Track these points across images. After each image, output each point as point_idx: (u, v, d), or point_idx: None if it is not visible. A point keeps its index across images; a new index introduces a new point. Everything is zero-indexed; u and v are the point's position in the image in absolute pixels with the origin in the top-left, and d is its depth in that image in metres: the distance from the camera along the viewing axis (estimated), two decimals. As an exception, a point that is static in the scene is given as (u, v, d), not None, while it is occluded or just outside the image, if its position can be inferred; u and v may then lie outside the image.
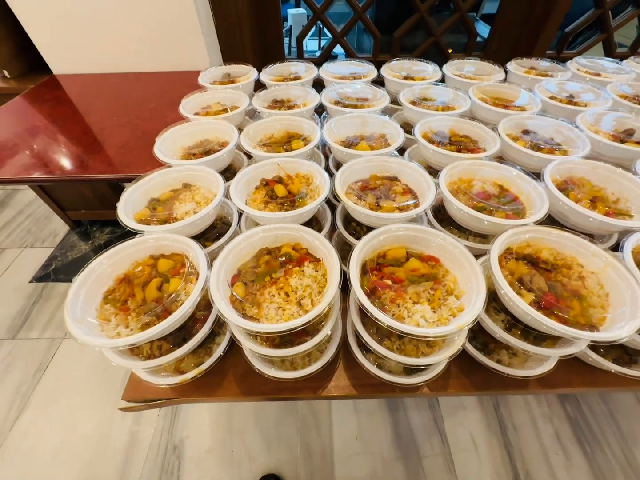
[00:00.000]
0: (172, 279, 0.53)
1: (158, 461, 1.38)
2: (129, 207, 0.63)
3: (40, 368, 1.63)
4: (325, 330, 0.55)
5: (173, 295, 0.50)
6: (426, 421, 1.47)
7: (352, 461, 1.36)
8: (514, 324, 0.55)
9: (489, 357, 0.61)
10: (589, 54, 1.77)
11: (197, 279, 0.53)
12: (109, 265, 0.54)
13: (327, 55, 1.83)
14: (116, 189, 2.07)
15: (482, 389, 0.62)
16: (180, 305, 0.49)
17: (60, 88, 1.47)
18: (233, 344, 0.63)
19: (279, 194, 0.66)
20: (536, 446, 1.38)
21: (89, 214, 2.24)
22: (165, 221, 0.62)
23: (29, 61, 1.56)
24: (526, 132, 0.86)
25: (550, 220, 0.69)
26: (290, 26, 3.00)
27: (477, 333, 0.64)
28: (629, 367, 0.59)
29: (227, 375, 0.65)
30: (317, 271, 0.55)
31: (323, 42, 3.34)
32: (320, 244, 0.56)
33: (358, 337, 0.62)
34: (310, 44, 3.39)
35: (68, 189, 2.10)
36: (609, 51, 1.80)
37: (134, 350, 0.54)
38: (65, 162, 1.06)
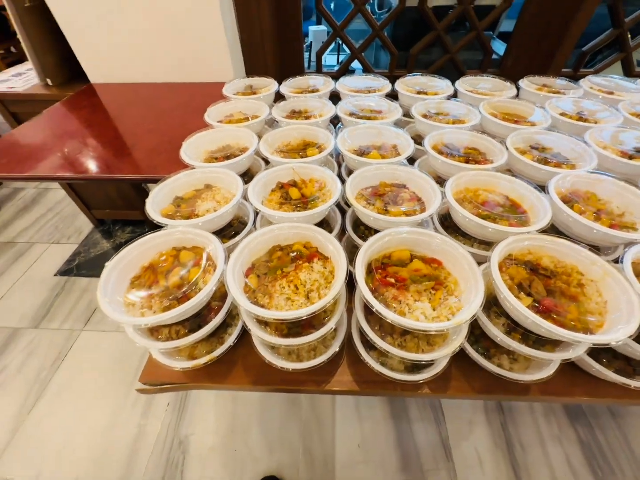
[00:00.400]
0: (192, 269, 0.57)
1: (163, 455, 1.41)
2: (156, 203, 0.69)
3: (59, 357, 1.71)
4: (330, 324, 0.58)
5: (192, 283, 0.55)
6: (431, 434, 1.46)
7: (354, 469, 1.36)
8: (514, 327, 0.57)
9: (490, 362, 0.62)
10: (608, 73, 1.78)
11: (214, 270, 0.58)
12: (137, 254, 0.59)
13: (344, 70, 1.90)
14: (139, 191, 2.18)
15: (482, 392, 0.64)
16: (199, 292, 0.54)
17: (96, 96, 1.59)
18: (243, 336, 0.67)
19: (293, 196, 0.71)
20: (544, 468, 1.34)
21: (113, 214, 2.36)
22: (187, 217, 0.67)
23: (69, 71, 1.70)
24: (535, 146, 0.89)
25: (554, 232, 0.70)
26: (311, 42, 3.13)
27: (479, 338, 0.66)
28: (632, 378, 0.59)
29: (237, 365, 0.69)
30: (325, 268, 0.59)
31: (341, 57, 3.46)
32: (329, 243, 0.60)
33: (362, 334, 0.65)
34: (329, 59, 3.52)
35: (95, 189, 2.22)
36: (628, 70, 1.80)
37: (154, 333, 0.59)
38: (98, 163, 1.15)
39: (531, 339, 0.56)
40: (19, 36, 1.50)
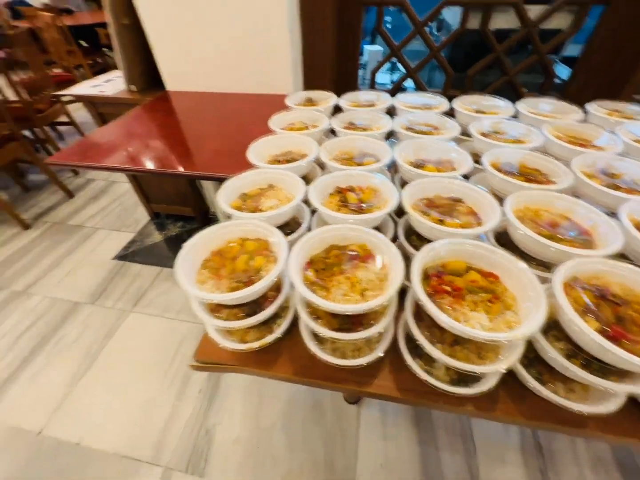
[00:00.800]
0: (257, 258, 0.63)
1: (191, 440, 1.47)
2: (225, 197, 0.76)
3: (109, 334, 1.86)
4: (380, 326, 0.60)
5: (256, 269, 0.60)
6: (459, 466, 1.38)
7: (375, 488, 1.32)
8: (575, 353, 0.54)
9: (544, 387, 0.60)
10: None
11: (276, 261, 0.62)
12: (208, 239, 0.66)
13: (397, 88, 1.95)
14: (194, 189, 2.36)
15: (532, 418, 0.61)
16: (262, 279, 0.58)
17: (170, 102, 1.78)
18: (291, 329, 0.71)
19: (351, 201, 0.74)
20: (590, 527, 1.20)
21: (168, 208, 2.56)
22: (252, 211, 0.74)
23: (150, 79, 1.92)
24: (603, 171, 0.85)
25: (623, 259, 0.67)
26: (366, 61, 3.26)
27: (532, 361, 0.63)
28: None
29: (282, 355, 0.72)
30: (381, 270, 0.61)
31: (394, 76, 3.53)
32: (386, 247, 0.62)
33: (409, 341, 0.66)
34: (382, 77, 3.61)
35: (155, 185, 2.43)
36: None
37: (214, 312, 0.65)
38: (168, 159, 1.28)
39: (594, 367, 0.53)
40: (114, 48, 1.73)
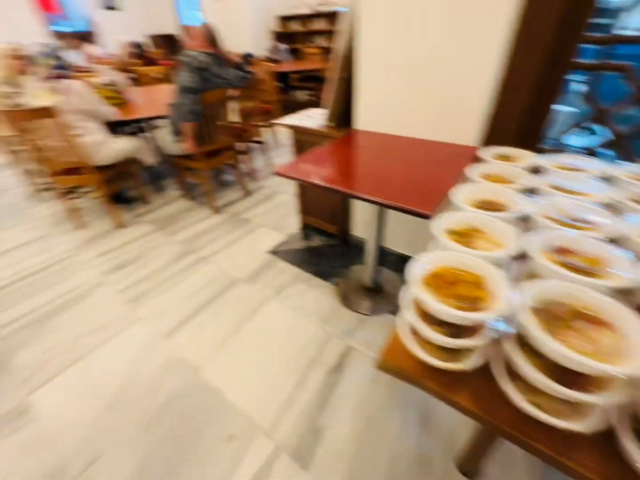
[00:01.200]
0: (478, 290, 0.70)
1: (302, 431, 1.60)
2: (438, 229, 0.88)
3: (254, 310, 2.24)
4: (605, 397, 0.57)
5: (476, 299, 0.67)
6: None
7: None
8: None
9: None
10: None
11: (491, 297, 0.68)
12: (432, 261, 0.77)
13: (592, 153, 1.79)
14: (344, 211, 2.65)
15: None
16: (480, 311, 0.65)
17: (357, 139, 2.11)
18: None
19: (574, 261, 0.74)
20: None
21: (316, 222, 2.94)
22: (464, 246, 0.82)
23: (344, 118, 2.32)
24: None
25: None
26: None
27: None
28: None
29: (467, 384, 0.75)
30: (618, 340, 0.59)
31: (584, 139, 3.18)
32: (626, 318, 0.60)
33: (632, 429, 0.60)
34: (568, 139, 3.30)
35: (314, 201, 2.84)
36: None
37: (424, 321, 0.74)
38: (358, 185, 1.51)
39: None
40: (329, 93, 2.20)
